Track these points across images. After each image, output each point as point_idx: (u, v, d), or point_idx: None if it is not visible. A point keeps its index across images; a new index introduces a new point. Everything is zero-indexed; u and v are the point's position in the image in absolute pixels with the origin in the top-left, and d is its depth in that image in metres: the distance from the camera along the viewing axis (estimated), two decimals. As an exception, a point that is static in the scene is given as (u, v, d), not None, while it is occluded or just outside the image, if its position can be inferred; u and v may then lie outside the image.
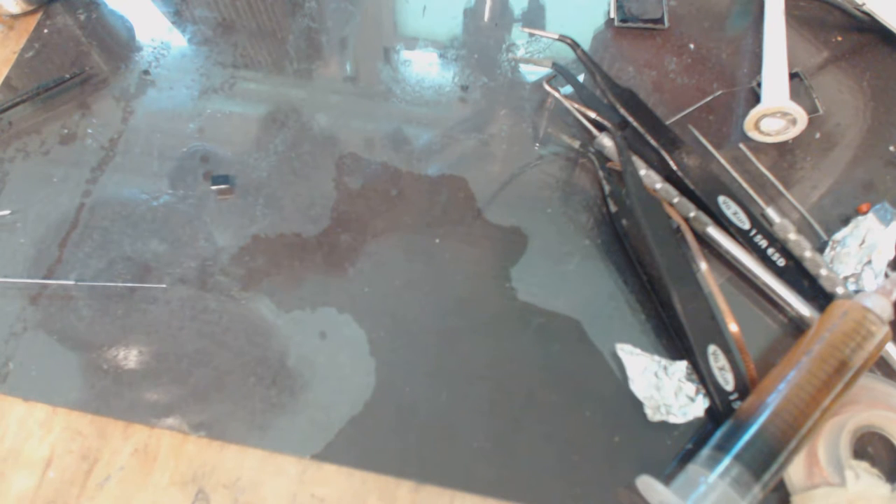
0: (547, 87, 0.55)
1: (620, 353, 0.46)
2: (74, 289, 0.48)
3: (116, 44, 0.61)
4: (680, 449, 0.43)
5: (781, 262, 0.49)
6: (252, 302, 0.48)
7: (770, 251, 0.49)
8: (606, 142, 0.52)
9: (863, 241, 0.48)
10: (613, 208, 0.50)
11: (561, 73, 0.55)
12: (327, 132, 0.56)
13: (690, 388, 0.44)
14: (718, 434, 0.41)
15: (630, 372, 0.45)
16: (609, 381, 0.45)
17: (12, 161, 0.54)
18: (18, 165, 0.54)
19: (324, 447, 0.43)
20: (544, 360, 0.46)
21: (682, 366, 0.45)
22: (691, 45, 0.61)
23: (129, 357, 0.46)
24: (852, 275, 0.48)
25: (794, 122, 0.53)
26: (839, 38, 0.61)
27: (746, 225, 0.49)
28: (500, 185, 0.53)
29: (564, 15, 0.63)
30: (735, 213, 0.49)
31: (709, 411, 0.44)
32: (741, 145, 0.55)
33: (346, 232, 0.51)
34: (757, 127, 0.54)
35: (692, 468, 0.40)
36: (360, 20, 0.63)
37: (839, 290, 0.47)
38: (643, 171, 0.50)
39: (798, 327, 0.47)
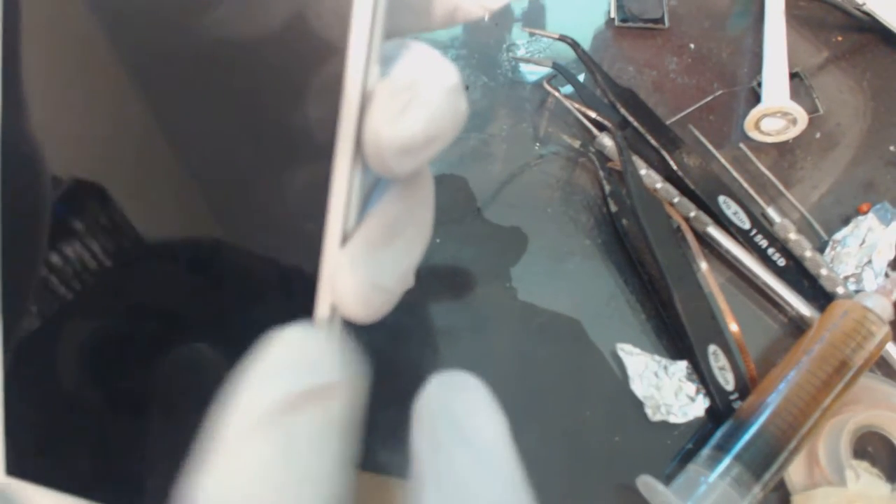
0: (547, 87, 0.55)
1: (621, 353, 0.45)
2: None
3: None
4: (680, 449, 0.43)
5: (782, 262, 0.49)
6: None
7: (770, 251, 0.49)
8: (607, 142, 0.52)
9: (863, 241, 0.48)
10: (614, 208, 0.50)
11: (561, 72, 0.55)
12: (327, 132, 0.55)
13: (691, 387, 0.44)
14: (718, 434, 0.41)
15: (630, 372, 0.45)
16: (609, 381, 0.45)
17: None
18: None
19: (324, 447, 0.43)
20: (544, 360, 0.46)
21: (682, 366, 0.45)
22: (691, 45, 0.61)
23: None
24: (852, 275, 0.48)
25: (794, 121, 0.53)
26: (839, 38, 0.61)
27: (747, 225, 0.49)
28: (500, 185, 0.53)
29: (564, 15, 0.63)
30: (735, 213, 0.49)
31: (709, 411, 0.44)
32: (741, 145, 0.55)
33: (346, 232, 0.51)
34: (757, 127, 0.54)
35: (692, 468, 0.40)
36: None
37: (839, 290, 0.47)
38: (643, 170, 0.50)
39: (798, 327, 0.47)
